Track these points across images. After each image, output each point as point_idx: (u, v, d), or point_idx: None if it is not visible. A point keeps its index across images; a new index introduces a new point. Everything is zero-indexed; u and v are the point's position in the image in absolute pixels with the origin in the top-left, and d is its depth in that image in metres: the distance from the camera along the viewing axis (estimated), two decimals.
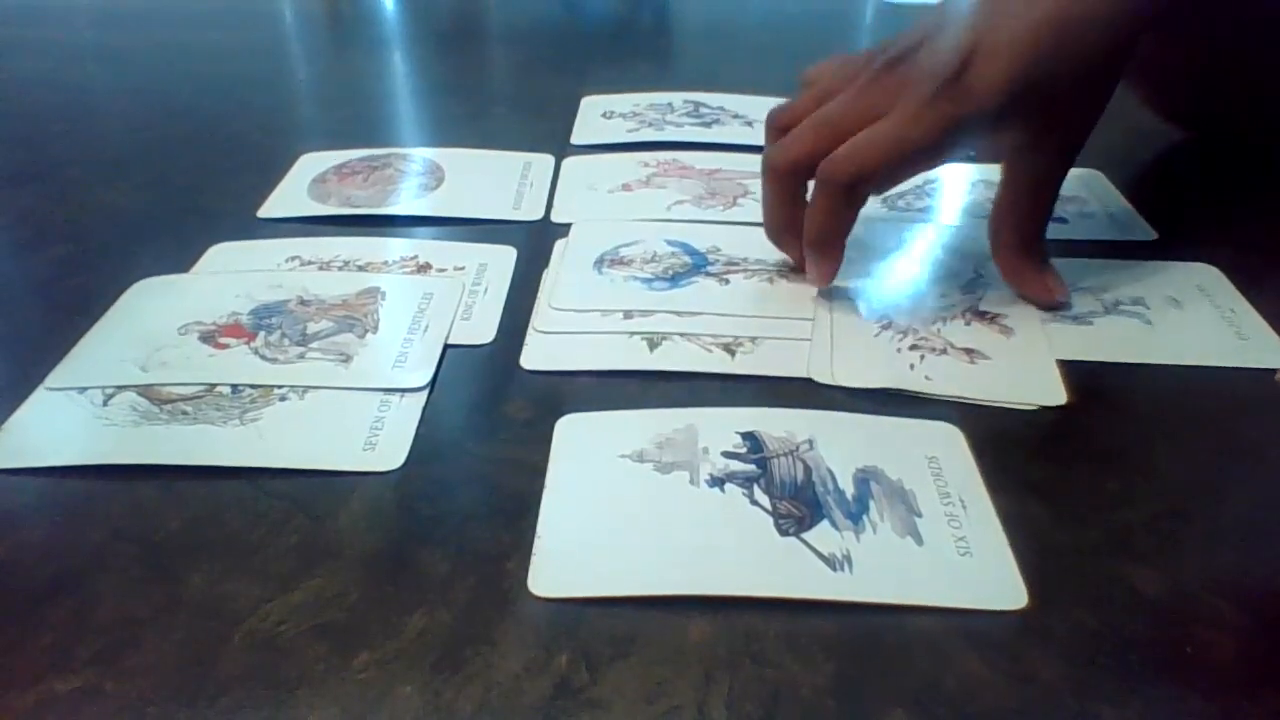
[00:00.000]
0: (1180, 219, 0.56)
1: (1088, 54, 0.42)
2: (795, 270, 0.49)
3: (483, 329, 0.46)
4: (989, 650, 0.30)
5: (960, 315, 0.46)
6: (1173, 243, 0.53)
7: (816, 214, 0.44)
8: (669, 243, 0.52)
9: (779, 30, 0.98)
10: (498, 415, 0.41)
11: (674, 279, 0.49)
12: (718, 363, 0.43)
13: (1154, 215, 0.56)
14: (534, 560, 0.33)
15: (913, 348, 0.44)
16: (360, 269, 0.51)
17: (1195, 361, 0.43)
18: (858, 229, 0.45)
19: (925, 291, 0.48)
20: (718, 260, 0.51)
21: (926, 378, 0.42)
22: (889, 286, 0.49)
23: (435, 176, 0.62)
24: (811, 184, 0.44)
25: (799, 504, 0.35)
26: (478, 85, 0.84)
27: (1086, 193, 0.59)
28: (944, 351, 0.43)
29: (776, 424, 0.39)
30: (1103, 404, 0.41)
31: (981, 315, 0.46)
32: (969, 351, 0.43)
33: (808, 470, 0.37)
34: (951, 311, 0.46)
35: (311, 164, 0.64)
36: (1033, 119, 0.43)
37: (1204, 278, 0.50)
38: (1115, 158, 0.63)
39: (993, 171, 0.61)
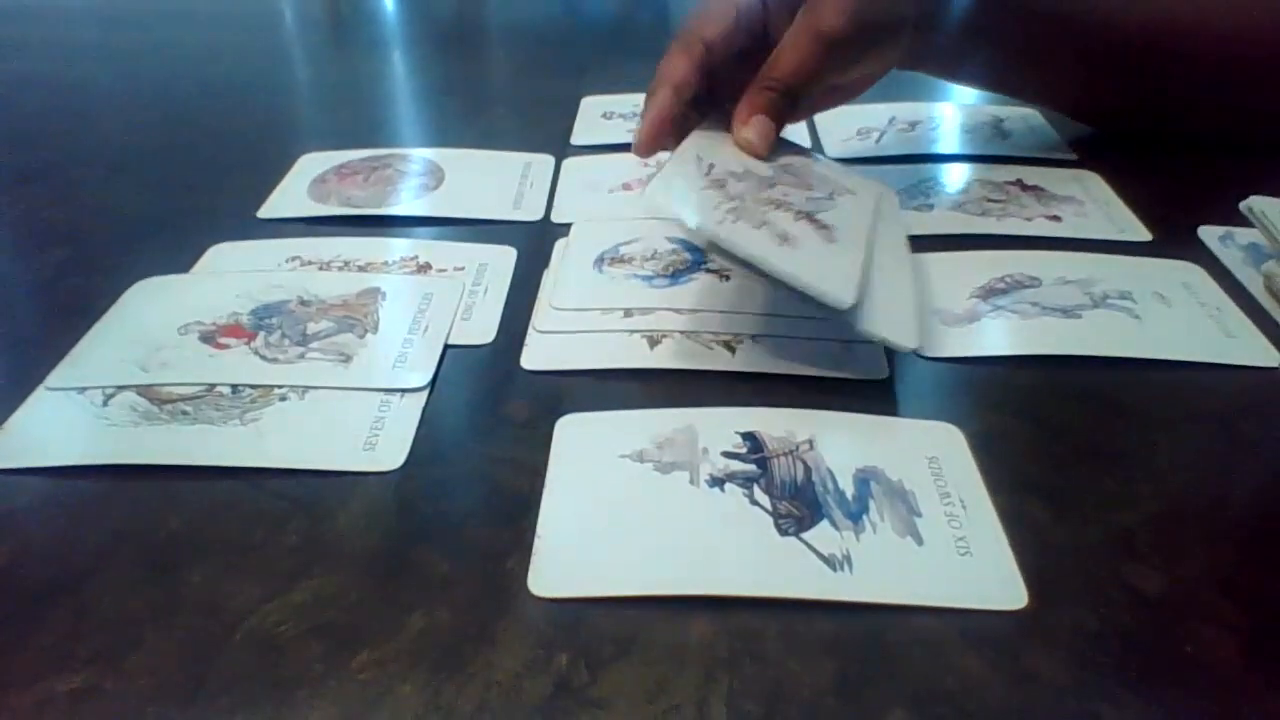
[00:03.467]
0: (1176, 221, 0.56)
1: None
2: None
3: (483, 329, 0.46)
4: (989, 650, 0.30)
5: (792, 212, 0.44)
6: (1168, 245, 0.53)
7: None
8: (669, 239, 0.52)
9: None
10: (498, 415, 0.41)
11: (674, 276, 0.49)
12: (718, 359, 0.43)
13: (1150, 217, 0.56)
14: (534, 560, 0.33)
15: (730, 210, 0.42)
16: (360, 269, 0.51)
17: (1186, 357, 0.44)
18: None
19: (769, 184, 0.46)
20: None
21: (732, 224, 0.41)
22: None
23: (435, 177, 0.62)
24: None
25: (799, 504, 0.35)
26: (478, 85, 0.84)
27: (1083, 193, 0.59)
28: (759, 227, 0.41)
29: (776, 424, 0.39)
30: (1100, 402, 0.41)
31: (812, 219, 0.44)
32: (783, 237, 0.41)
33: (808, 470, 0.37)
34: (785, 205, 0.44)
35: (311, 164, 0.64)
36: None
37: (1189, 275, 0.50)
38: (1114, 160, 0.63)
39: (992, 171, 0.61)
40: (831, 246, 0.42)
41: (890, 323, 0.41)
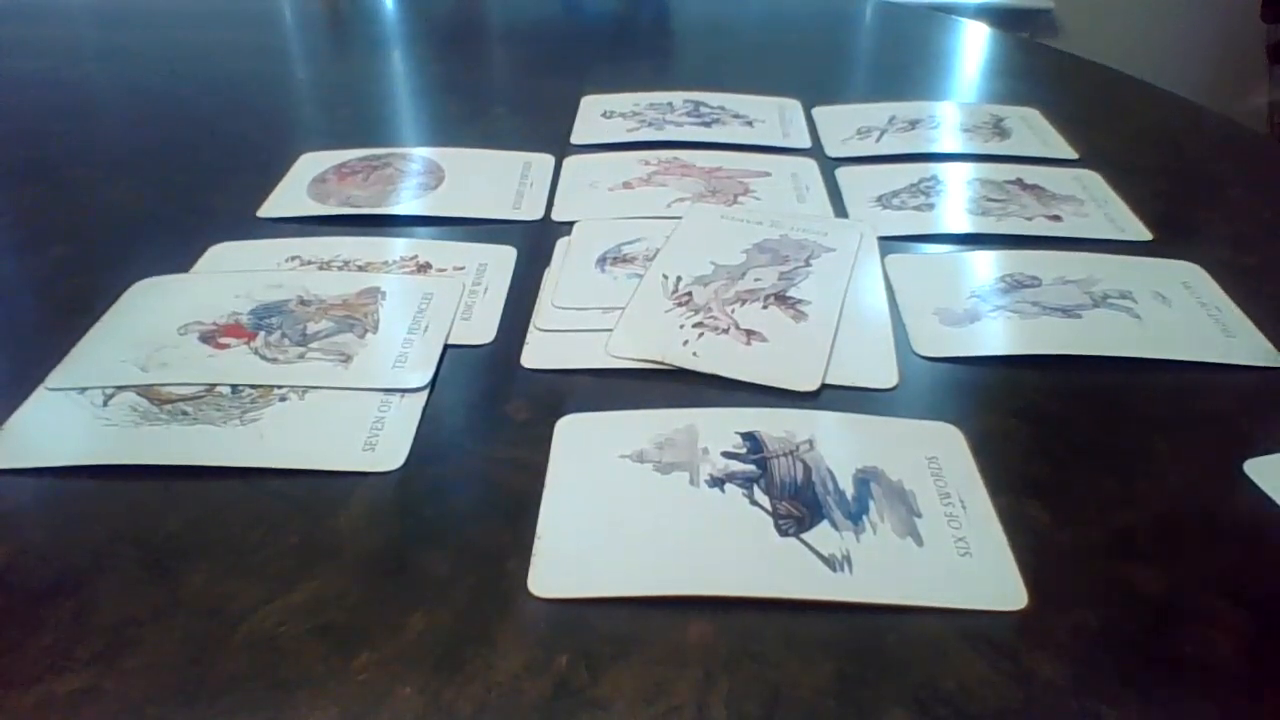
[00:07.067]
0: (1177, 221, 0.56)
1: None
2: None
3: (483, 329, 0.46)
4: (989, 650, 0.30)
5: (761, 299, 0.46)
6: (1168, 244, 0.53)
7: None
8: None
9: (779, 30, 0.98)
10: (498, 415, 0.41)
11: None
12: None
13: (1151, 217, 0.56)
14: (534, 560, 0.33)
15: (696, 325, 0.44)
16: (360, 269, 0.51)
17: (1186, 357, 0.44)
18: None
19: (739, 274, 0.48)
20: None
21: (694, 354, 0.43)
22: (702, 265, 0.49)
23: (435, 176, 0.62)
24: None
25: (799, 504, 0.35)
26: (478, 85, 0.84)
27: (1083, 193, 0.59)
28: (725, 331, 0.44)
29: (776, 424, 0.39)
30: (1100, 402, 0.41)
31: (783, 300, 0.46)
32: (749, 333, 0.44)
33: (808, 470, 0.37)
34: (754, 295, 0.47)
35: (311, 164, 0.64)
36: None
37: (1189, 275, 0.50)
38: (1115, 159, 0.63)
39: (993, 170, 0.61)
40: (800, 328, 0.44)
41: (865, 369, 0.42)
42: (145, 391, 0.41)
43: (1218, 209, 0.59)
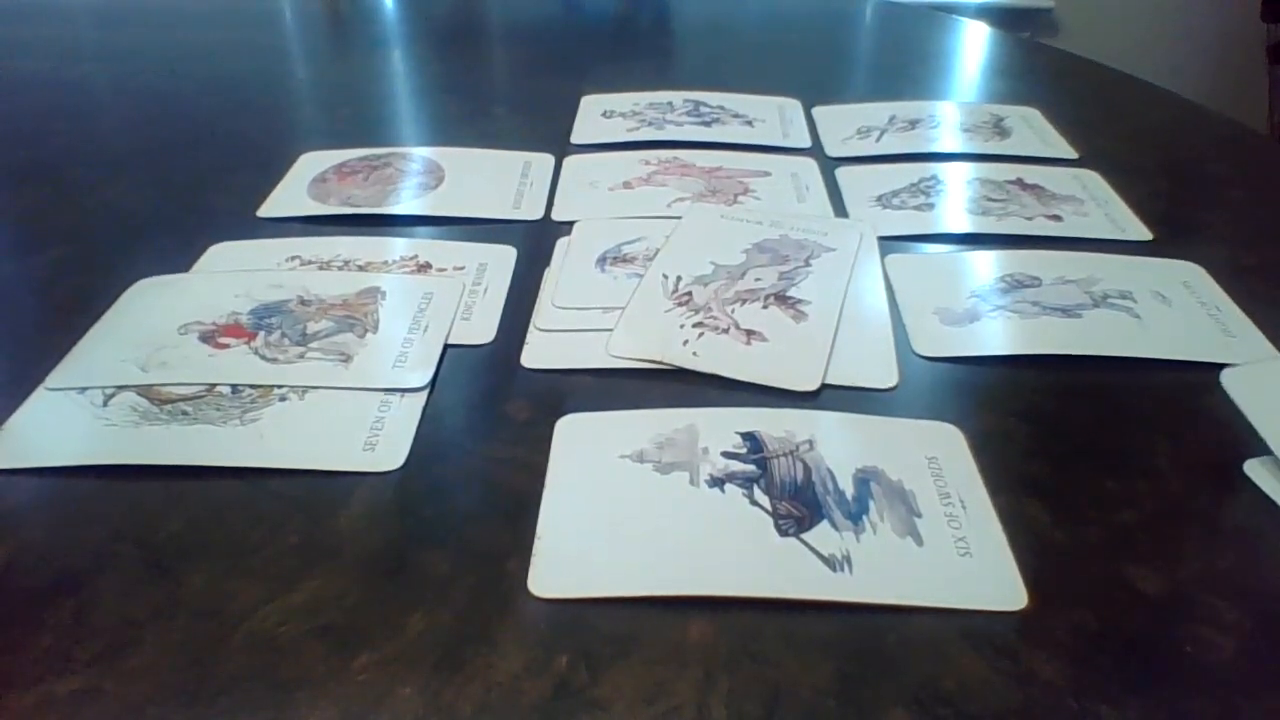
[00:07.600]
0: (1176, 221, 0.56)
1: None
2: None
3: (483, 329, 0.46)
4: (989, 650, 0.30)
5: (761, 298, 0.46)
6: (1168, 244, 0.53)
7: None
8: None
9: (779, 30, 0.98)
10: (498, 415, 0.41)
11: None
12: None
13: (1151, 217, 0.56)
14: (534, 560, 0.33)
15: (696, 325, 0.44)
16: (360, 269, 0.51)
17: (1186, 357, 0.44)
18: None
19: (739, 273, 0.48)
20: None
21: (694, 354, 0.43)
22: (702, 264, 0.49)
23: (435, 176, 0.62)
24: None
25: (799, 504, 0.35)
26: (478, 85, 0.84)
27: (1083, 193, 0.59)
28: (725, 331, 0.44)
29: (776, 424, 0.39)
30: (1100, 402, 0.41)
31: (783, 300, 0.46)
32: (749, 333, 0.44)
33: (808, 470, 0.37)
34: (754, 294, 0.47)
35: (312, 163, 0.64)
36: None
37: (1189, 275, 0.50)
38: (1115, 159, 0.63)
39: (993, 170, 0.61)
40: (800, 328, 0.44)
41: (865, 369, 0.42)
42: (145, 391, 0.41)
43: (1218, 209, 0.59)
